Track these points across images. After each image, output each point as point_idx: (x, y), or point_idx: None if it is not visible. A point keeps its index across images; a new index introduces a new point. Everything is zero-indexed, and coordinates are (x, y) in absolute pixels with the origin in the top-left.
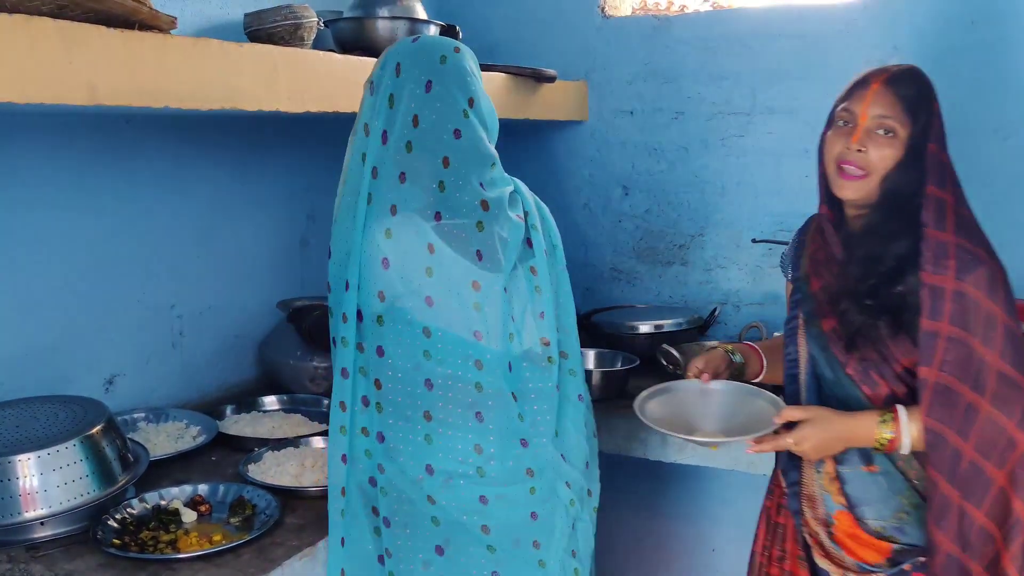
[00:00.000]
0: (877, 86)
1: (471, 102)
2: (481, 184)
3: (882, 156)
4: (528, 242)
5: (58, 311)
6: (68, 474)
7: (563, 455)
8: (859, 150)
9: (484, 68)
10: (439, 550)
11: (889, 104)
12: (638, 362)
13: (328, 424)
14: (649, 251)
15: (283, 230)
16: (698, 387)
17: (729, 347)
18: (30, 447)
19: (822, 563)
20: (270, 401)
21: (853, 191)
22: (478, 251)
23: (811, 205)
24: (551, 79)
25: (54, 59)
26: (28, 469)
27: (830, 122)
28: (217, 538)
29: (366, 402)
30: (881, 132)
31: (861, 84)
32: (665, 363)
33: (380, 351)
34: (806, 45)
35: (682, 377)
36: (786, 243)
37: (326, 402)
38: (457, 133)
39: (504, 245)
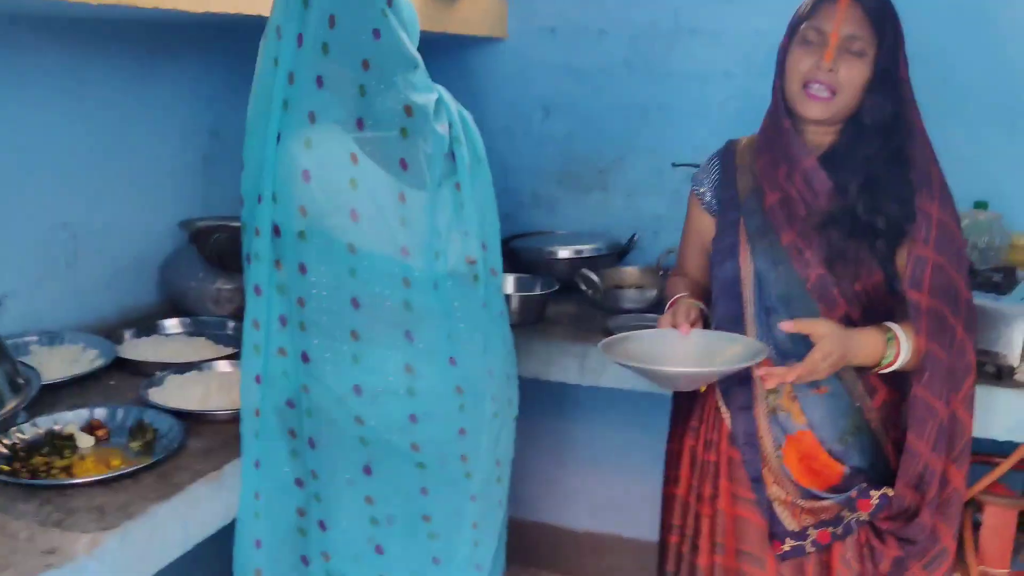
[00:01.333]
0: (846, 3)
1: (389, 1)
2: (404, 88)
3: (851, 76)
4: (451, 155)
5: None
6: None
7: (490, 370)
8: (830, 70)
9: None
10: (367, 470)
11: (859, 22)
12: (557, 287)
13: (237, 347)
14: (570, 176)
15: (186, 145)
16: (666, 334)
17: (692, 301)
18: None
19: (768, 489)
20: (172, 324)
21: (820, 111)
22: (402, 160)
23: (734, 129)
24: None
25: None
26: None
27: (792, 37)
28: (116, 463)
29: (284, 321)
30: (851, 52)
31: (827, 0)
32: (584, 288)
33: (302, 268)
34: None
35: (601, 302)
36: None
37: (232, 324)
38: (376, 33)
39: (428, 160)
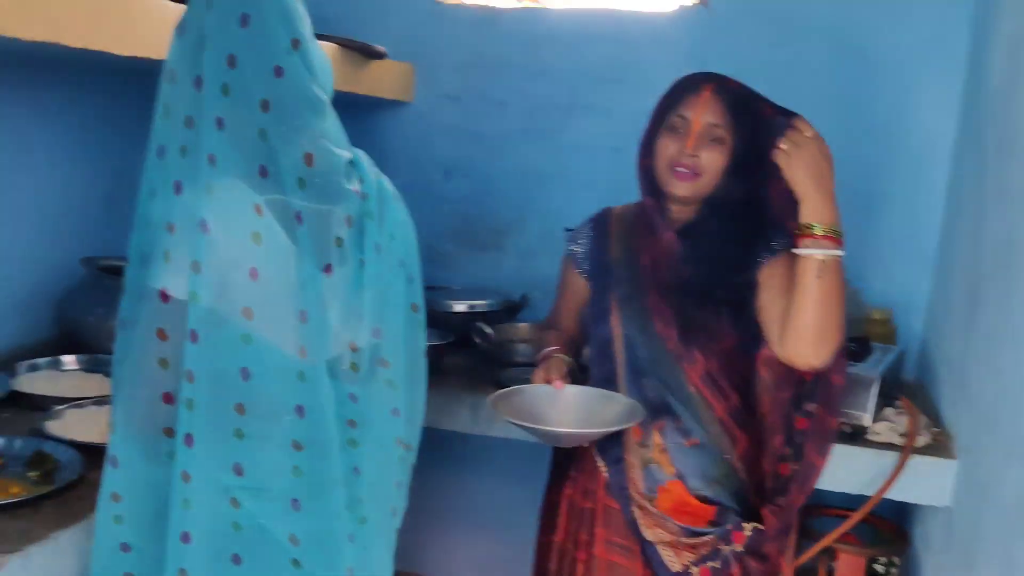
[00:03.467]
0: (708, 94)
1: (295, 43)
2: (310, 135)
3: (712, 159)
4: (360, 228)
5: None
6: None
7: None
8: (693, 155)
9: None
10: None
11: (719, 112)
12: (452, 338)
13: None
14: (467, 235)
15: (89, 183)
16: (551, 390)
17: (563, 356)
18: None
19: (649, 533)
20: (69, 360)
21: (685, 189)
22: (298, 216)
23: (619, 199)
24: (380, 55)
25: None
26: None
27: (660, 124)
28: (15, 490)
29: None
30: (710, 139)
31: (692, 89)
32: (478, 340)
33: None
34: (622, 50)
35: (496, 354)
36: None
37: None
38: (279, 71)
39: (331, 220)
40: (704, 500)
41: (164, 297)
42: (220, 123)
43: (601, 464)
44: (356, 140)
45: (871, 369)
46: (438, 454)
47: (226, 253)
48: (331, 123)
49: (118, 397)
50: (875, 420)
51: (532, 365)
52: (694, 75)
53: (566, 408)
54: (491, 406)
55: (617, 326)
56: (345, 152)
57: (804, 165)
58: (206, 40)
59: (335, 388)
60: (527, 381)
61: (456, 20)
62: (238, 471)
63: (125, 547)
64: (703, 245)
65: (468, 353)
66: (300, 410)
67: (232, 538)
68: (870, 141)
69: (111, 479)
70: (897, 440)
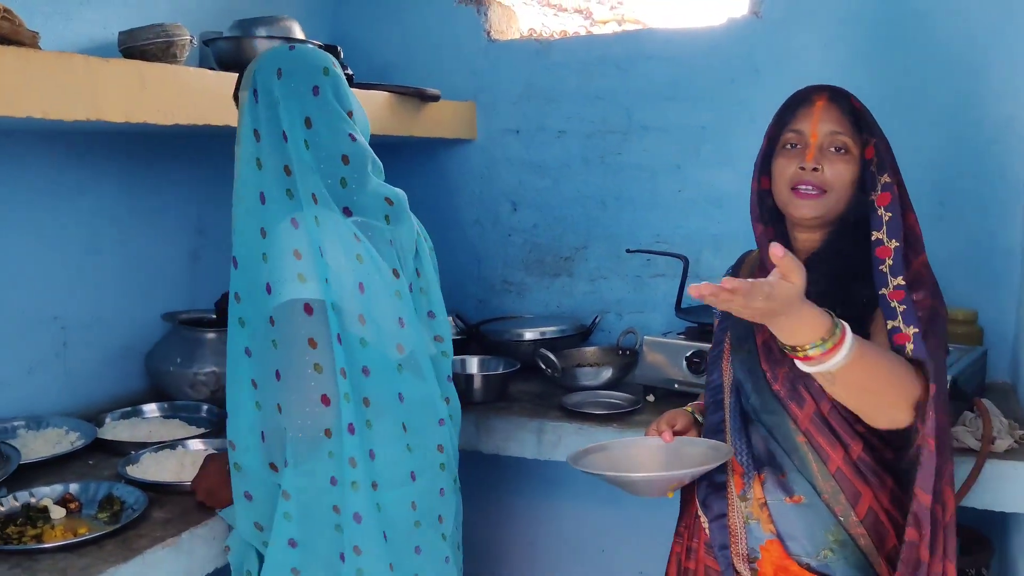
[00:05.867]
0: (822, 103)
1: (350, 114)
2: (378, 182)
3: (837, 173)
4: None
5: None
6: None
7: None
8: (814, 168)
9: (368, 87)
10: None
11: (837, 120)
12: (518, 366)
13: (208, 428)
14: (537, 263)
15: (172, 242)
16: (641, 442)
17: (690, 408)
18: None
19: None
20: (150, 408)
21: (811, 209)
22: (391, 241)
23: (683, 215)
24: (435, 98)
25: None
26: None
27: (774, 145)
28: (82, 531)
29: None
30: (833, 149)
31: (804, 102)
32: (544, 367)
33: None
34: (674, 67)
35: (560, 380)
36: (661, 253)
37: (205, 407)
38: (352, 137)
39: (407, 246)
40: (809, 569)
41: (309, 310)
42: (312, 170)
43: (703, 519)
44: (424, 179)
45: None
46: (522, 480)
47: (340, 272)
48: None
49: (281, 412)
50: (953, 424)
51: (596, 388)
52: (803, 89)
53: (650, 459)
54: (569, 462)
55: (728, 371)
56: (400, 192)
57: (750, 312)
58: (280, 104)
59: (431, 374)
60: (592, 404)
61: (511, 55)
62: (372, 456)
63: (292, 543)
64: (824, 278)
65: (537, 380)
66: (401, 397)
67: (377, 518)
68: (942, 134)
69: (284, 480)
70: (974, 444)
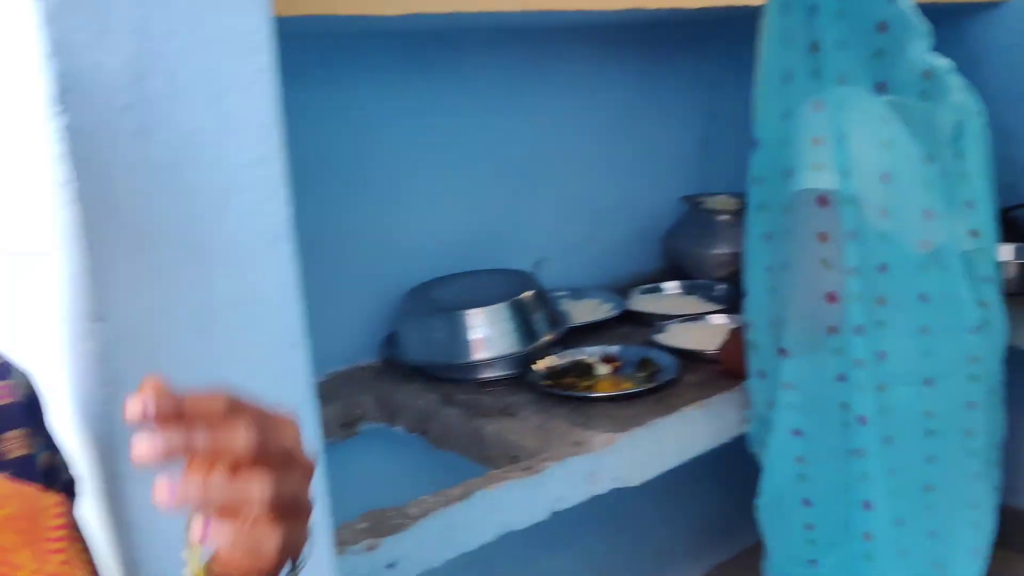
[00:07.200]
0: None
1: None
2: (920, 52)
3: None
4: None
5: (495, 201)
6: (504, 328)
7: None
8: None
9: None
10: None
11: None
12: None
13: (724, 305)
14: None
15: (684, 130)
16: None
17: None
18: (477, 304)
19: None
20: (670, 285)
21: None
22: (922, 124)
23: None
24: None
25: None
26: (476, 321)
27: None
28: (626, 386)
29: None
30: None
31: None
32: None
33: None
34: None
35: None
36: None
37: (721, 287)
38: None
39: (944, 127)
40: None
41: (823, 202)
42: (842, 45)
43: None
44: (942, 50)
45: None
46: None
47: (864, 160)
48: (929, 41)
49: (787, 300)
50: None
51: None
52: None
53: None
54: None
55: None
56: (946, 62)
57: None
58: None
59: (962, 273)
60: None
61: None
62: (882, 357)
63: (796, 432)
64: None
65: None
66: (923, 298)
67: (880, 421)
68: None
69: (785, 369)
70: None
